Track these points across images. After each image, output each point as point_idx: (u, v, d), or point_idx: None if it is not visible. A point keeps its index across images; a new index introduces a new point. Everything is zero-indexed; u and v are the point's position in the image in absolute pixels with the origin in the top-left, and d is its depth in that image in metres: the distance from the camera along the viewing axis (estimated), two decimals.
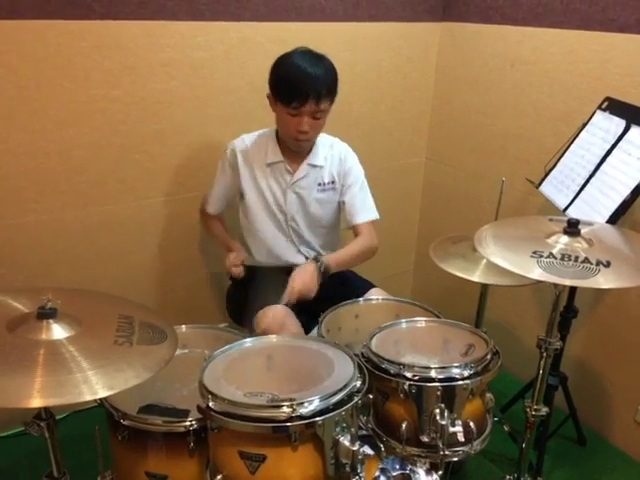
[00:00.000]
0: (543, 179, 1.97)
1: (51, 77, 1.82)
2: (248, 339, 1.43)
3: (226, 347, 1.38)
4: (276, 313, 1.80)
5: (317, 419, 1.12)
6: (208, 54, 2.05)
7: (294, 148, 1.85)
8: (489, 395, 1.41)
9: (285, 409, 1.12)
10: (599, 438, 2.23)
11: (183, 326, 1.75)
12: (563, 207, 1.79)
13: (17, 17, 1.72)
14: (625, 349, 2.11)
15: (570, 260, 1.27)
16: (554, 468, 2.07)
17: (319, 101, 1.69)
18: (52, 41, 1.79)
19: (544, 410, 1.52)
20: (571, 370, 2.12)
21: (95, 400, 1.44)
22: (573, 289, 1.85)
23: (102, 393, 1.04)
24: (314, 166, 1.91)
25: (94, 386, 1.03)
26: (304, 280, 1.74)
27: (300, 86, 1.66)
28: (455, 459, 1.33)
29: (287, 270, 1.96)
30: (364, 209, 1.96)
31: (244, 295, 1.97)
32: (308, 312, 1.89)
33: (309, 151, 1.90)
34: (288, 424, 1.11)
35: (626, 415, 2.15)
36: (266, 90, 1.81)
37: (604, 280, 1.21)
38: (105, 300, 1.44)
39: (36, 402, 0.97)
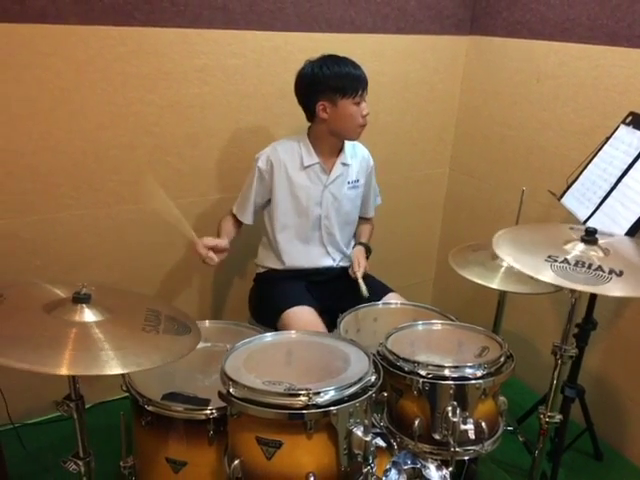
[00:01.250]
0: (565, 191, 1.99)
1: (91, 80, 1.92)
2: (269, 334, 1.49)
3: (247, 340, 1.44)
4: (303, 313, 1.86)
5: (332, 408, 1.16)
6: (241, 61, 2.14)
7: (355, 137, 1.95)
8: (502, 398, 1.44)
9: (302, 398, 1.17)
10: (616, 453, 2.21)
11: (206, 321, 1.82)
12: (584, 219, 1.80)
13: (62, 22, 1.82)
14: None
15: (583, 267, 1.29)
16: None
17: (367, 85, 1.88)
18: (94, 46, 1.89)
19: (557, 417, 1.54)
20: (589, 384, 2.11)
21: (122, 388, 1.53)
22: (592, 301, 1.86)
23: (125, 369, 1.12)
24: (345, 164, 2.01)
25: (118, 362, 1.11)
26: (364, 258, 2.06)
27: (358, 75, 1.85)
28: (466, 457, 1.35)
29: (311, 273, 2.03)
30: (376, 199, 2.26)
31: (266, 295, 2.03)
32: (328, 313, 1.94)
33: (339, 151, 1.99)
34: (304, 412, 1.16)
35: None
36: (293, 98, 1.91)
37: (614, 288, 1.23)
38: (135, 295, 1.52)
39: (64, 370, 1.06)
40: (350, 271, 2.01)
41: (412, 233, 2.87)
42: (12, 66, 1.79)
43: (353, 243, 2.16)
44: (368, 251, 2.13)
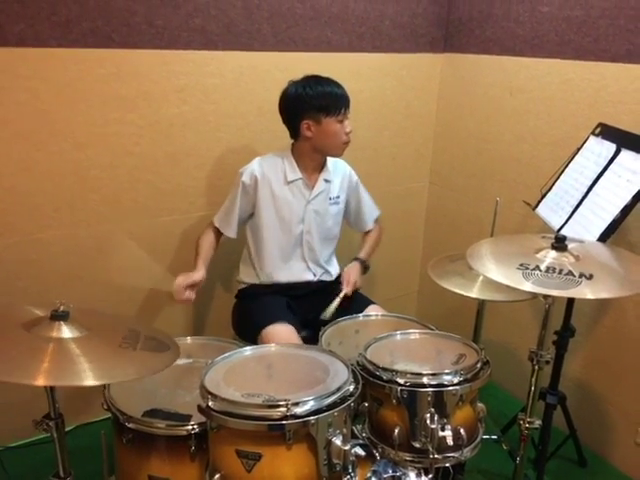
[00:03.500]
0: (539, 201, 2.03)
1: (71, 101, 1.94)
2: (248, 347, 1.50)
3: (227, 354, 1.45)
4: (281, 331, 1.87)
5: (311, 418, 1.17)
6: (219, 81, 2.17)
7: (339, 154, 1.99)
8: (480, 405, 1.45)
9: (281, 408, 1.18)
10: (600, 459, 2.23)
11: (188, 338, 1.82)
12: (557, 227, 1.85)
13: (41, 45, 1.85)
14: (624, 371, 2.13)
15: (554, 272, 1.33)
16: None
17: (349, 103, 1.93)
18: (73, 68, 1.91)
19: (537, 423, 1.55)
20: (571, 391, 2.14)
21: (103, 406, 1.52)
22: (569, 308, 1.89)
23: (101, 381, 1.13)
24: (327, 181, 2.04)
25: (94, 374, 1.13)
26: (356, 275, 2.07)
27: (341, 94, 1.90)
28: (446, 464, 1.37)
29: (292, 287, 2.04)
30: (372, 211, 2.25)
31: (247, 311, 2.04)
32: (310, 328, 1.95)
33: (322, 168, 2.02)
34: (283, 422, 1.16)
35: (627, 437, 2.15)
36: (272, 115, 1.96)
37: (585, 291, 1.27)
38: (114, 316, 1.53)
39: (40, 381, 1.08)
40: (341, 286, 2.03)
41: (395, 247, 2.89)
42: None
43: (334, 259, 2.19)
44: (365, 267, 2.14)
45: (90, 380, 1.09)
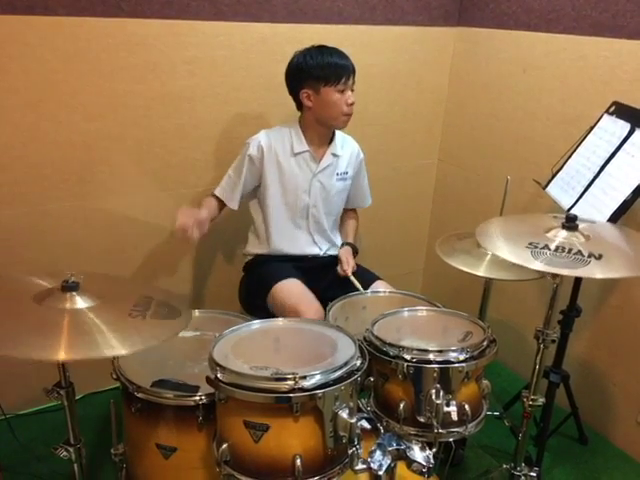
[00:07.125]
0: (550, 180, 2.02)
1: (79, 71, 1.93)
2: (256, 321, 1.51)
3: (235, 327, 1.46)
4: (293, 285, 1.90)
5: (318, 392, 1.19)
6: (229, 53, 2.15)
7: (341, 127, 1.98)
8: (485, 382, 1.47)
9: (288, 382, 1.19)
10: (600, 438, 2.25)
11: (196, 311, 1.83)
12: (568, 207, 1.83)
13: (50, 14, 1.83)
14: (629, 350, 2.14)
15: (563, 252, 1.33)
16: (554, 465, 2.11)
17: (354, 74, 1.91)
18: (82, 37, 1.89)
19: (540, 400, 1.57)
20: (574, 370, 2.15)
21: (112, 376, 1.54)
22: (576, 287, 1.89)
23: (114, 352, 1.16)
24: (335, 155, 2.03)
25: (108, 346, 1.15)
26: (352, 258, 2.08)
27: (343, 64, 1.87)
28: (450, 439, 1.39)
29: (298, 258, 2.05)
30: (366, 196, 2.27)
31: (255, 277, 2.05)
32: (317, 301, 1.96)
33: (330, 141, 2.01)
34: (291, 395, 1.18)
35: (628, 416, 2.17)
36: (282, 88, 1.93)
37: (594, 271, 1.27)
38: (130, 282, 1.55)
39: (62, 355, 1.09)
40: (339, 269, 2.03)
41: (402, 224, 2.89)
42: (0, 58, 1.80)
43: (337, 233, 2.19)
44: (355, 251, 2.14)
45: (113, 350, 1.11)
